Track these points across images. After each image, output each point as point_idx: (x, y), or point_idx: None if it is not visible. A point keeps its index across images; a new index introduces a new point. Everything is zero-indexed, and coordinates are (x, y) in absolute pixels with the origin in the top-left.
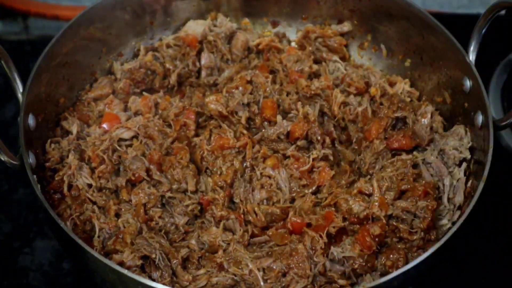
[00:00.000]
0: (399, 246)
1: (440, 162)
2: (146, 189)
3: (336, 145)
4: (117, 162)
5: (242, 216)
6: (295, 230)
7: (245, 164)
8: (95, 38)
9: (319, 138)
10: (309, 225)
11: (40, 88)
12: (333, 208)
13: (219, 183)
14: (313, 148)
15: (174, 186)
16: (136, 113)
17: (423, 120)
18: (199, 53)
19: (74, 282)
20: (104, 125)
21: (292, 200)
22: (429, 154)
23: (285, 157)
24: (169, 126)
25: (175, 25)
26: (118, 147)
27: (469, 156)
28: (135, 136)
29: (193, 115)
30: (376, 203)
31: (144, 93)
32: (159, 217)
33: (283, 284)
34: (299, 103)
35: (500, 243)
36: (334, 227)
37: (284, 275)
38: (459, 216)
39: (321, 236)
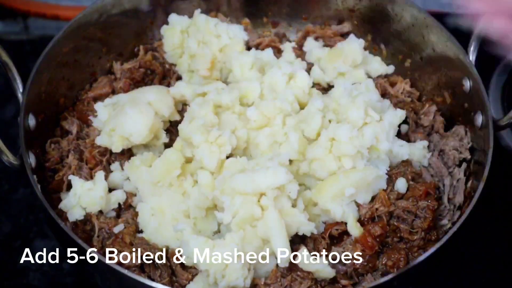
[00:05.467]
0: (399, 246)
1: (440, 163)
2: None
3: None
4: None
5: None
6: None
7: None
8: (95, 38)
9: None
10: None
11: (40, 88)
12: None
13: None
14: None
15: None
16: None
17: (425, 119)
18: None
19: (74, 282)
20: None
21: None
22: (429, 155)
23: None
24: None
25: None
26: None
27: (469, 157)
28: None
29: None
30: (379, 200)
31: None
32: None
33: (285, 284)
34: None
35: (500, 243)
36: (337, 229)
37: (286, 275)
38: (459, 216)
39: (323, 238)
